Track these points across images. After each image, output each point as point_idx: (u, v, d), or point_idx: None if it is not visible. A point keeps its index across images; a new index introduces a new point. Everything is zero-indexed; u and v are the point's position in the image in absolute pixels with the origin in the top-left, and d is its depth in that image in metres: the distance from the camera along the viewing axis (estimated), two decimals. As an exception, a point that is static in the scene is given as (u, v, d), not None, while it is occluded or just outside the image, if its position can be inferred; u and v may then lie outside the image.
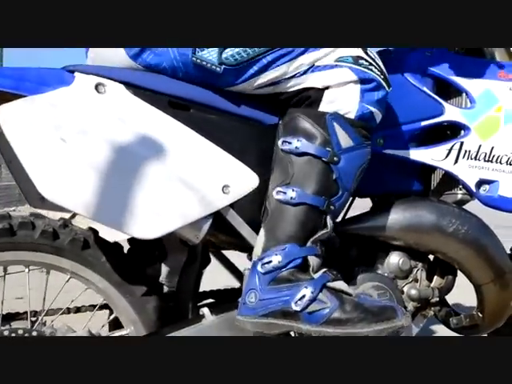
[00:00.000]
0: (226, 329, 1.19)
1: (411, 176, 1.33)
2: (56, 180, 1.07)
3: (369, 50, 1.18)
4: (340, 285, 1.13)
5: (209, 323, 1.19)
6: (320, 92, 1.15)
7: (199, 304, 1.33)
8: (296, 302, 1.09)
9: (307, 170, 1.12)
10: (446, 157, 1.28)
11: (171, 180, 1.13)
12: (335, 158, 1.12)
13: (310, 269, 1.12)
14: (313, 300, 1.09)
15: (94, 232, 1.22)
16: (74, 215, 1.21)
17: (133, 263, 1.23)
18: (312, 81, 1.15)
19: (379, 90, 1.15)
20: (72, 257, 1.19)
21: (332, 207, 1.13)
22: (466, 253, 1.28)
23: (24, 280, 1.21)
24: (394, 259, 1.30)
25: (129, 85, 1.16)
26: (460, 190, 1.33)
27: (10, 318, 1.27)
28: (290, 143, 1.14)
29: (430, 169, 1.34)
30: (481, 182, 1.29)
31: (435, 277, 1.33)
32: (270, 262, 1.11)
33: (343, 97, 1.14)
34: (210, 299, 1.37)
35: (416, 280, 1.31)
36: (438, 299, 1.31)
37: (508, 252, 1.36)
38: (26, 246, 1.17)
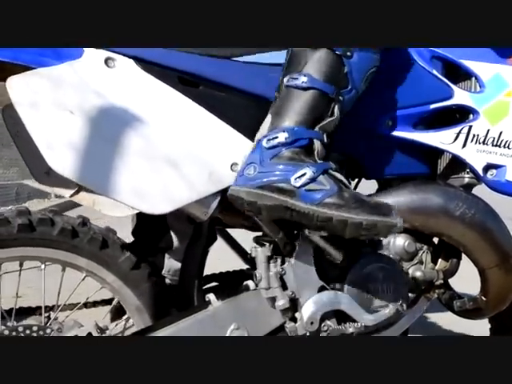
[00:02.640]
0: (233, 314, 1.19)
1: (418, 159, 1.33)
2: (64, 152, 1.06)
3: None
4: (341, 176, 1.12)
5: (215, 309, 1.19)
6: None
7: (205, 288, 1.33)
8: (296, 178, 1.08)
9: (320, 60, 1.12)
10: (454, 140, 1.28)
11: (180, 156, 1.13)
12: (348, 53, 1.13)
13: (315, 153, 1.11)
14: (313, 180, 1.08)
15: (112, 232, 1.22)
16: (78, 191, 1.20)
17: (149, 264, 1.24)
18: None
19: None
20: (89, 255, 1.20)
21: (341, 97, 1.13)
22: (471, 236, 1.27)
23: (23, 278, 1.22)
24: (400, 241, 1.30)
25: (139, 60, 1.15)
26: (467, 174, 1.32)
27: (20, 313, 1.28)
28: None
29: (438, 152, 1.33)
30: (488, 167, 1.28)
31: (440, 259, 1.33)
32: (276, 137, 1.10)
33: None
34: (216, 282, 1.36)
35: (421, 262, 1.31)
36: (442, 282, 1.32)
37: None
38: (44, 242, 1.17)
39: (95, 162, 1.07)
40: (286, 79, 1.13)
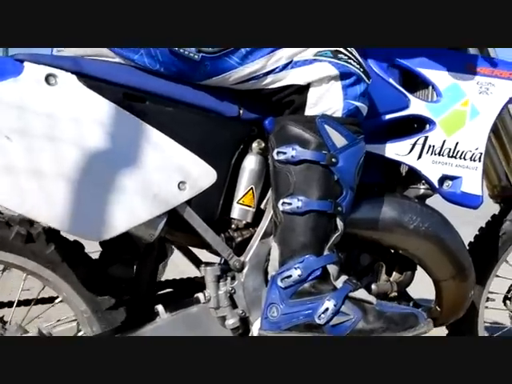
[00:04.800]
0: (181, 327, 1.19)
1: (376, 169, 1.30)
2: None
3: None
4: (361, 294, 1.14)
5: (163, 322, 1.19)
6: (303, 93, 1.14)
7: (158, 293, 1.32)
8: (319, 316, 1.09)
9: (308, 177, 1.11)
10: (410, 152, 1.26)
11: (124, 177, 1.09)
12: (333, 160, 1.11)
13: (331, 277, 1.13)
14: (336, 313, 1.10)
15: None
16: None
17: (47, 231, 1.19)
18: (292, 77, 1.14)
19: (360, 83, 1.14)
20: None
21: (339, 208, 1.13)
22: (426, 249, 1.27)
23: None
24: (354, 254, 1.29)
25: (82, 76, 1.11)
26: (423, 184, 1.31)
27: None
28: (284, 153, 1.12)
29: (395, 162, 1.31)
30: (444, 178, 1.28)
31: (394, 272, 1.33)
32: (290, 276, 1.11)
33: (327, 97, 1.13)
34: (170, 289, 1.35)
35: (375, 275, 1.31)
36: (396, 294, 1.32)
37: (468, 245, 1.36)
38: None
39: (32, 189, 1.03)
40: (280, 204, 1.12)
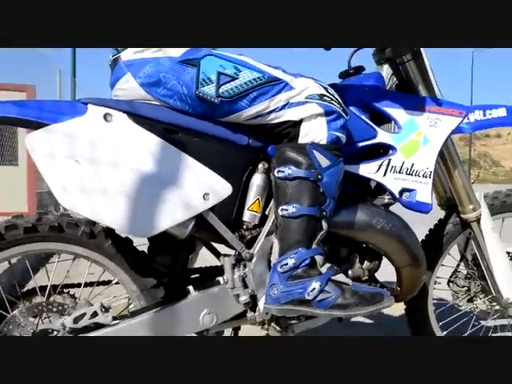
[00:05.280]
0: (205, 302, 1.55)
1: (352, 184, 1.65)
2: (70, 192, 1.36)
3: (329, 88, 1.51)
4: (340, 277, 1.46)
5: (193, 298, 1.55)
6: (296, 126, 1.47)
7: (189, 277, 1.66)
8: (308, 293, 1.42)
9: (300, 190, 1.44)
10: (377, 171, 1.62)
11: (163, 190, 1.43)
12: (319, 176, 1.45)
13: (317, 265, 1.45)
14: (321, 291, 1.42)
15: (66, 215, 1.50)
16: None
17: (105, 230, 1.51)
18: (289, 115, 1.48)
19: (340, 118, 1.49)
20: (55, 239, 1.47)
21: (324, 213, 1.46)
22: (389, 244, 1.63)
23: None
24: (335, 248, 1.65)
25: (131, 114, 1.44)
26: (387, 195, 1.68)
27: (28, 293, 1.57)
28: (283, 172, 1.46)
29: (366, 178, 1.68)
30: (403, 190, 1.63)
31: (365, 261, 1.69)
32: (287, 264, 1.44)
33: (315, 129, 1.47)
34: (197, 274, 1.69)
35: (351, 263, 1.67)
36: (367, 277, 1.69)
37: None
38: (15, 242, 1.44)
39: (94, 197, 1.36)
40: (279, 210, 1.46)
